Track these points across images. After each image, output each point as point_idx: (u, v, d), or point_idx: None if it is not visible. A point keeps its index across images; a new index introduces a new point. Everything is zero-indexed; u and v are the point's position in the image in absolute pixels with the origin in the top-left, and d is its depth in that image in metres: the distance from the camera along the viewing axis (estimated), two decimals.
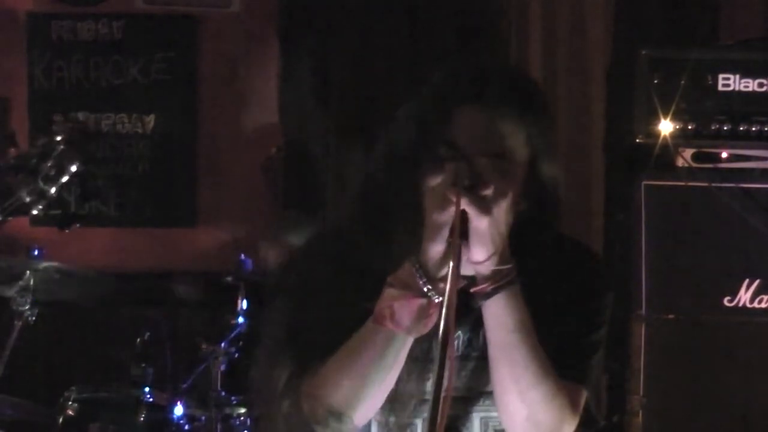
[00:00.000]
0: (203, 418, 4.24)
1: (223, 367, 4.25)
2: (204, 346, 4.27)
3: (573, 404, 2.31)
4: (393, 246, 2.25)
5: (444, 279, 2.13)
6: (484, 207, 2.14)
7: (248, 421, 4.25)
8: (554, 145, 2.39)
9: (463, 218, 2.14)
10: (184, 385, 4.30)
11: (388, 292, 2.20)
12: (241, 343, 4.29)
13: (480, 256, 2.18)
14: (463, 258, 2.16)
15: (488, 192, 2.15)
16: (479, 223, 2.14)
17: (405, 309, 2.19)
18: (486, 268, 2.19)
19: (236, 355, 4.28)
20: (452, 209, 2.13)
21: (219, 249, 4.74)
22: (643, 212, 4.10)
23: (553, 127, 2.42)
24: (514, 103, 2.27)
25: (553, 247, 2.36)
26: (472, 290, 2.21)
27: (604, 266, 2.52)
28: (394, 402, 2.32)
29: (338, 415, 2.28)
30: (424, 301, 2.18)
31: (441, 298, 2.14)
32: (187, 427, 4.24)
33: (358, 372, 2.25)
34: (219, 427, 4.22)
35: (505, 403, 2.28)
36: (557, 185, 2.37)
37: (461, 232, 2.14)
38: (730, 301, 4.05)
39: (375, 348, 2.23)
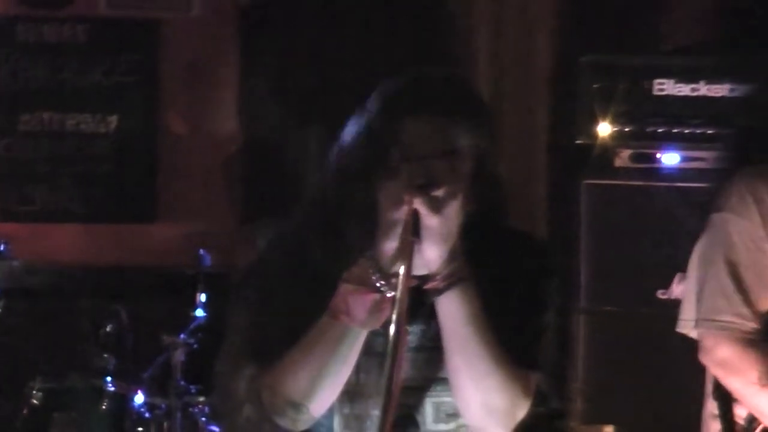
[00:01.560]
0: (163, 406, 4.25)
1: (182, 358, 4.26)
2: (164, 337, 4.27)
3: (525, 389, 2.33)
4: (348, 245, 2.27)
5: (397, 275, 2.15)
6: (436, 206, 2.16)
7: (206, 409, 4.25)
8: (499, 148, 2.41)
9: (415, 217, 2.16)
10: (145, 375, 4.30)
11: (343, 287, 2.21)
12: (200, 334, 4.29)
13: (431, 254, 2.20)
14: (416, 255, 2.18)
15: (440, 192, 2.17)
16: (431, 221, 2.16)
17: (359, 304, 2.21)
18: (438, 266, 2.21)
19: (195, 346, 4.28)
20: (405, 208, 2.15)
21: (178, 244, 4.71)
22: (583, 210, 4.16)
23: (496, 130, 2.43)
24: (462, 109, 2.30)
25: (501, 240, 2.39)
26: (425, 287, 2.23)
27: (549, 253, 2.51)
28: (354, 394, 2.33)
29: (296, 406, 2.29)
30: (377, 296, 2.20)
31: (394, 293, 2.15)
32: (147, 415, 4.25)
33: (314, 364, 2.26)
34: (179, 415, 4.22)
35: (461, 392, 2.30)
36: (503, 185, 2.40)
37: (414, 230, 2.16)
38: (664, 294, 4.13)
39: (330, 341, 2.25)
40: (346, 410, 2.36)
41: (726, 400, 3.09)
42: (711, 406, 3.18)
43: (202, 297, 4.30)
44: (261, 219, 4.50)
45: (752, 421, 3.04)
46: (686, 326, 3.19)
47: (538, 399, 2.39)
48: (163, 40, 4.96)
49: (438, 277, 2.22)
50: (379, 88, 2.30)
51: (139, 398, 4.26)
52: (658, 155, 4.25)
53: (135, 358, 4.40)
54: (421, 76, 2.36)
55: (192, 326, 4.28)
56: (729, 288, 3.03)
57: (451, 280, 2.23)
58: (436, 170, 2.21)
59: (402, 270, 2.14)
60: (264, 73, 4.86)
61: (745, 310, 3.01)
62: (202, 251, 4.38)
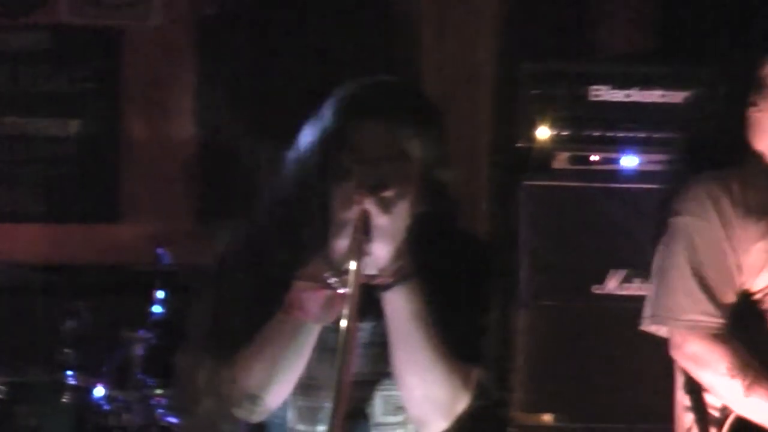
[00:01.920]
0: (122, 399, 4.24)
1: (141, 352, 4.26)
2: (123, 332, 4.28)
3: (465, 383, 2.35)
4: (302, 244, 2.29)
5: (348, 272, 2.17)
6: (386, 206, 2.20)
7: (164, 402, 4.24)
8: (447, 152, 2.42)
9: (365, 217, 2.19)
10: (105, 369, 4.30)
11: (298, 284, 2.24)
12: (158, 329, 4.28)
13: (381, 252, 2.22)
14: (366, 253, 2.20)
15: (389, 193, 2.21)
16: (380, 221, 2.19)
17: (312, 300, 2.24)
18: (386, 263, 2.23)
19: (153, 341, 4.27)
20: (356, 208, 2.18)
21: (138, 243, 4.70)
22: (523, 209, 4.20)
23: (445, 135, 2.44)
24: (411, 114, 2.33)
25: (448, 242, 2.40)
26: (373, 282, 2.25)
27: (493, 255, 2.55)
28: (308, 387, 2.34)
29: (252, 398, 2.31)
30: (330, 292, 2.22)
31: (346, 290, 2.17)
32: (107, 407, 4.24)
33: (270, 358, 2.29)
34: (137, 407, 4.22)
35: (405, 384, 2.32)
36: (451, 189, 2.40)
37: (364, 229, 2.19)
38: (599, 289, 4.16)
39: (285, 336, 2.27)
40: (300, 402, 2.38)
41: (697, 392, 3.13)
42: (682, 399, 3.23)
43: (160, 294, 4.32)
44: (217, 220, 4.47)
45: (724, 410, 3.08)
46: (650, 323, 3.25)
47: (479, 393, 2.41)
48: (124, 47, 4.96)
49: (385, 273, 2.24)
50: (333, 94, 2.34)
51: (99, 391, 4.25)
52: (593, 158, 4.27)
53: (95, 352, 4.38)
54: (374, 82, 2.41)
55: (150, 322, 4.28)
56: (694, 288, 3.08)
57: (398, 277, 2.25)
58: (385, 172, 2.24)
59: (353, 267, 2.15)
60: (220, 80, 4.86)
61: (710, 308, 3.06)
62: (160, 250, 4.39)
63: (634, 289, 4.13)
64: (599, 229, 4.15)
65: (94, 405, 4.26)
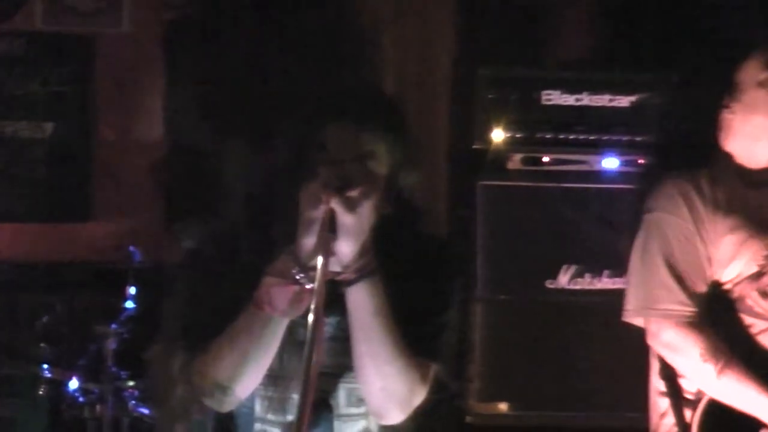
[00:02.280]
0: (96, 391, 4.23)
1: (113, 346, 4.23)
2: (97, 327, 4.25)
3: (423, 377, 2.37)
4: (272, 241, 2.30)
5: (315, 268, 2.17)
6: (351, 206, 2.20)
7: (136, 393, 4.24)
8: (414, 157, 2.44)
9: (331, 215, 2.20)
10: (79, 362, 4.28)
11: (267, 280, 2.25)
12: (130, 324, 4.27)
13: (345, 248, 2.23)
14: (332, 250, 2.20)
15: (354, 193, 2.21)
16: (346, 219, 2.20)
17: (280, 295, 2.24)
18: (350, 260, 2.24)
19: (125, 336, 4.26)
20: (323, 207, 2.19)
21: (110, 241, 4.65)
22: (479, 208, 4.25)
23: (411, 140, 2.45)
24: (377, 118, 2.35)
25: (411, 243, 2.42)
26: (337, 278, 2.25)
27: (453, 257, 2.57)
28: (276, 378, 2.36)
29: (222, 388, 2.32)
30: (297, 287, 2.22)
31: (312, 285, 2.17)
32: (81, 399, 4.24)
33: (240, 350, 2.29)
34: (110, 398, 4.21)
35: (364, 376, 2.33)
36: (416, 192, 2.43)
37: (330, 227, 2.19)
38: (552, 284, 4.22)
39: (254, 329, 2.28)
40: (268, 393, 2.39)
41: (672, 378, 3.21)
42: (658, 385, 3.30)
43: (132, 290, 4.30)
44: (186, 218, 4.53)
45: (698, 393, 3.14)
46: (632, 314, 3.32)
47: (437, 388, 2.43)
48: (96, 53, 4.94)
49: (349, 270, 2.25)
50: (305, 99, 2.41)
51: (74, 384, 4.24)
52: (545, 158, 4.31)
53: (70, 346, 4.39)
54: (345, 88, 2.52)
55: (122, 317, 4.26)
56: (667, 279, 3.18)
57: (361, 273, 2.26)
58: (351, 173, 2.26)
59: (320, 263, 2.16)
60: (187, 85, 4.84)
61: (683, 297, 3.16)
62: (131, 248, 4.36)
63: (585, 283, 4.19)
64: (551, 227, 4.20)
65: (69, 397, 4.25)
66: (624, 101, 4.33)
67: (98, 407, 4.23)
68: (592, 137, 4.34)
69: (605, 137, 4.33)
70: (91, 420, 4.23)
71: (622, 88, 4.33)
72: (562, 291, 4.19)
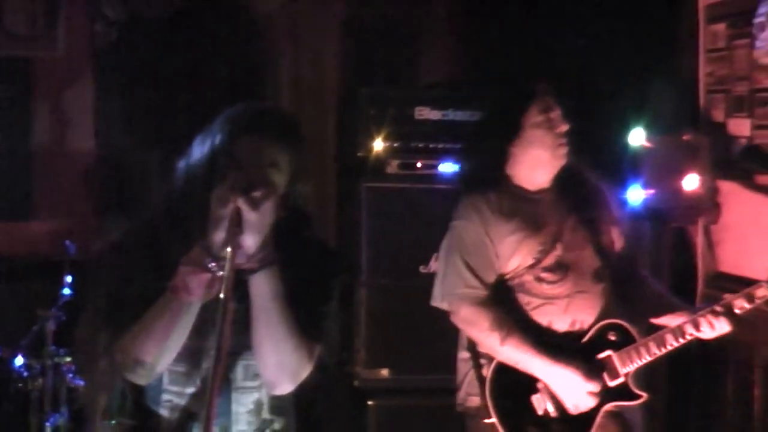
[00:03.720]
0: (38, 366, 4.22)
1: (53, 327, 4.22)
2: (38, 311, 4.24)
3: (310, 355, 2.41)
4: (187, 235, 2.30)
5: (224, 258, 2.18)
6: (254, 204, 2.22)
7: (73, 368, 4.23)
8: (308, 170, 2.46)
9: (238, 213, 2.22)
10: (23, 342, 4.26)
11: (182, 269, 2.25)
12: (67, 308, 4.25)
13: (250, 241, 2.25)
14: (238, 243, 2.21)
15: (257, 194, 2.23)
16: (250, 216, 2.22)
17: (194, 281, 2.24)
18: (254, 251, 2.26)
19: (63, 318, 4.25)
20: (230, 206, 2.22)
21: (49, 237, 4.67)
22: (364, 206, 4.35)
23: (305, 155, 2.46)
24: (280, 135, 2.38)
25: (301, 244, 2.44)
26: (242, 267, 2.26)
27: (337, 257, 2.61)
28: (183, 354, 2.36)
29: (143, 364, 2.33)
30: (209, 275, 2.23)
31: (222, 273, 2.18)
32: (25, 374, 4.23)
33: (158, 331, 2.30)
34: (50, 373, 4.20)
35: (261, 352, 2.36)
36: (308, 200, 2.46)
37: (237, 223, 2.22)
38: (424, 269, 4.35)
39: (171, 312, 2.29)
40: (176, 367, 2.40)
41: (473, 348, 3.49)
42: (463, 354, 3.55)
43: (68, 279, 4.29)
44: (113, 216, 4.55)
45: (491, 359, 3.42)
46: (437, 300, 3.53)
47: (320, 366, 2.46)
48: (35, 73, 4.90)
49: (252, 260, 2.28)
50: (221, 115, 2.41)
51: (19, 360, 4.24)
52: (418, 164, 4.42)
53: (15, 328, 4.36)
54: (255, 106, 2.48)
55: (60, 302, 4.25)
56: (463, 271, 3.45)
57: (262, 263, 2.30)
58: (255, 177, 2.28)
59: (228, 254, 2.18)
60: (114, 100, 4.86)
61: (475, 283, 3.42)
62: (67, 242, 4.35)
63: None
64: (424, 221, 4.26)
65: (15, 372, 4.24)
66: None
67: (40, 380, 4.21)
68: (457, 146, 4.39)
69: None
70: (34, 391, 4.21)
71: (481, 105, 4.19)
72: (433, 275, 4.02)
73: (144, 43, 4.87)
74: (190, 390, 2.41)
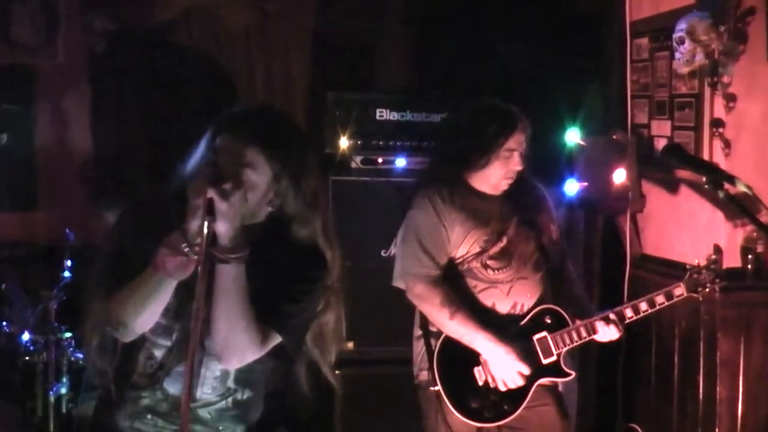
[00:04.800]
0: (43, 341, 4.28)
1: (55, 306, 4.28)
2: (42, 292, 4.30)
3: (262, 341, 2.36)
4: (168, 222, 2.29)
5: (199, 244, 2.19)
6: (224, 195, 2.22)
7: (73, 342, 4.30)
8: (299, 169, 2.35)
9: (210, 202, 2.20)
10: (30, 319, 4.32)
11: (162, 250, 2.26)
12: (67, 289, 4.29)
13: (223, 229, 2.24)
14: (211, 230, 2.18)
15: (227, 186, 2.23)
16: (221, 206, 2.21)
17: (171, 262, 2.25)
18: (226, 240, 2.25)
19: (64, 298, 4.30)
20: (204, 196, 2.20)
21: (51, 225, 4.70)
22: (331, 197, 4.30)
23: (295, 154, 2.37)
24: (257, 135, 2.33)
25: (286, 244, 2.39)
26: (215, 255, 2.25)
27: (323, 265, 2.49)
28: (166, 311, 2.36)
29: (123, 325, 2.35)
30: (184, 258, 2.24)
31: (196, 257, 2.20)
32: (32, 347, 4.30)
33: (137, 299, 2.31)
34: (53, 347, 4.26)
35: (215, 326, 2.34)
36: (303, 200, 2.37)
37: (210, 211, 2.20)
38: (385, 252, 4.29)
39: (149, 285, 2.31)
40: (162, 321, 2.38)
41: (425, 326, 3.56)
42: (416, 331, 3.62)
43: (69, 263, 4.33)
44: (109, 208, 4.42)
45: (440, 334, 3.50)
46: (396, 280, 3.60)
47: (280, 353, 2.43)
48: (37, 79, 4.93)
49: (222, 249, 2.26)
50: (216, 117, 2.40)
51: (26, 336, 4.30)
52: (378, 160, 4.45)
53: (22, 307, 4.41)
54: (241, 108, 2.45)
55: (62, 284, 4.29)
56: (419, 252, 3.50)
57: (232, 258, 2.27)
58: (227, 171, 2.27)
59: (203, 238, 2.17)
60: (110, 103, 4.89)
61: (429, 264, 3.48)
62: (67, 230, 4.40)
63: None
64: (384, 209, 4.22)
65: (22, 346, 4.31)
66: (436, 118, 4.47)
67: (44, 354, 4.26)
68: (413, 144, 4.48)
69: (423, 144, 4.46)
70: (39, 364, 4.27)
71: (435, 107, 4.46)
72: (392, 258, 4.01)
73: (132, 52, 4.88)
74: (168, 343, 2.42)
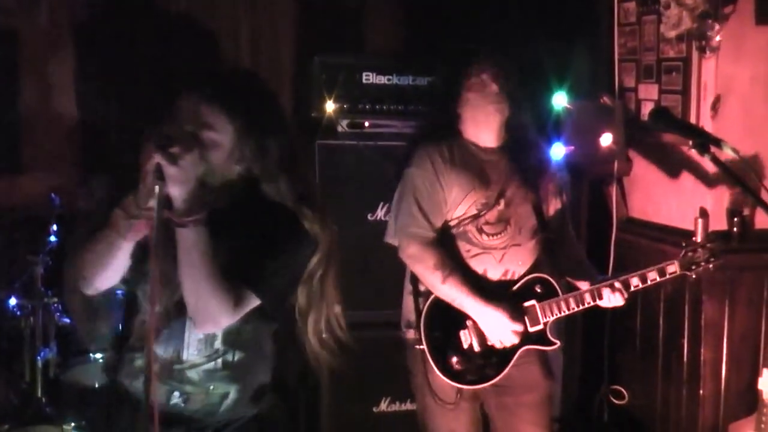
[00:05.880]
0: (30, 306, 4.28)
1: (42, 271, 4.27)
2: (28, 257, 4.29)
3: (236, 303, 2.36)
4: (125, 187, 2.33)
5: (151, 208, 2.23)
6: (172, 159, 2.22)
7: (59, 306, 4.27)
8: (265, 127, 2.36)
9: (158, 167, 2.22)
10: (16, 284, 4.32)
11: (116, 212, 2.33)
12: (53, 254, 4.29)
13: (174, 192, 2.25)
14: (162, 194, 2.22)
15: (175, 150, 2.23)
16: (169, 170, 2.22)
17: (124, 224, 2.32)
18: (180, 204, 2.26)
19: (50, 263, 4.29)
20: (152, 161, 2.22)
21: (37, 190, 4.63)
22: (318, 161, 4.34)
23: (259, 112, 2.37)
24: (215, 95, 2.35)
25: (256, 202, 2.41)
26: (172, 220, 2.28)
27: (297, 227, 2.47)
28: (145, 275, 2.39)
29: (86, 278, 2.43)
30: (135, 220, 2.30)
31: (150, 220, 2.24)
32: (19, 312, 4.29)
33: (94, 256, 2.39)
34: (40, 312, 4.26)
35: (185, 292, 2.35)
36: (268, 155, 2.37)
37: (159, 176, 2.22)
38: (371, 216, 4.40)
39: (105, 244, 2.37)
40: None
41: (415, 283, 3.56)
42: (408, 287, 3.61)
43: (54, 227, 4.31)
44: (93, 173, 4.52)
45: (429, 294, 3.48)
46: (390, 237, 3.59)
47: (259, 314, 2.43)
48: (21, 43, 4.84)
49: (180, 214, 2.27)
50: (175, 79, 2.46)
51: (13, 301, 4.29)
52: (365, 123, 4.43)
53: (8, 271, 4.40)
54: (205, 71, 2.59)
55: (48, 249, 4.28)
56: (415, 212, 3.48)
57: (189, 219, 2.28)
58: (176, 134, 2.27)
59: (154, 203, 2.22)
60: (93, 68, 4.82)
61: (425, 224, 3.47)
62: (53, 195, 4.38)
63: None
64: (371, 174, 4.30)
65: (9, 311, 4.30)
66: (423, 81, 4.45)
67: (31, 318, 4.26)
68: (399, 107, 4.46)
69: (409, 107, 4.44)
70: (26, 328, 4.26)
71: (421, 71, 4.44)
72: (379, 221, 4.33)
73: (117, 15, 4.82)
74: (157, 308, 2.36)
